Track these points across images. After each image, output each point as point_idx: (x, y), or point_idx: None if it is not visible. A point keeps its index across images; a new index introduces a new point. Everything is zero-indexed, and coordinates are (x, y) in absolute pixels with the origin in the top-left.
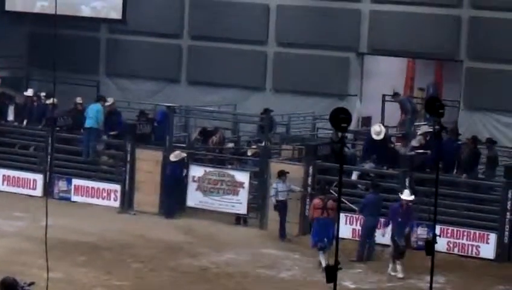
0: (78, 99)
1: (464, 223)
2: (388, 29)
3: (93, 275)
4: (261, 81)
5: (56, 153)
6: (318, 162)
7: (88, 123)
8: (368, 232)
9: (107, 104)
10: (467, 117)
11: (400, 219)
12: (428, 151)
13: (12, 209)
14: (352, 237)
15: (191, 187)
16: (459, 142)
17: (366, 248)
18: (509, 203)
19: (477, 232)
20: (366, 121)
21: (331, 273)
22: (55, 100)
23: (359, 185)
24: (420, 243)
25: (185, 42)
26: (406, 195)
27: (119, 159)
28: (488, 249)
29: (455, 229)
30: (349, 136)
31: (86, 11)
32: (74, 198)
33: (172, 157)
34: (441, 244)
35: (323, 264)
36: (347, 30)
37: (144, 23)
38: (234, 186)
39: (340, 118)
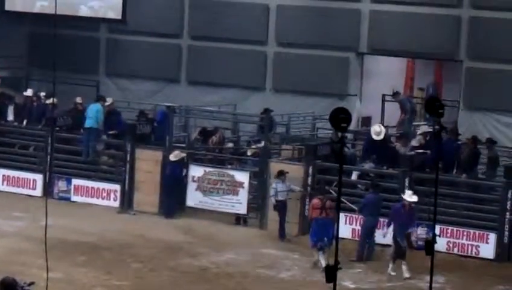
0: (78, 99)
1: (464, 223)
2: (388, 29)
3: (93, 275)
4: (261, 81)
5: (56, 153)
6: (318, 162)
7: (88, 123)
8: (367, 232)
9: (106, 104)
10: (466, 117)
11: (402, 220)
12: (428, 151)
13: (12, 209)
14: (352, 237)
15: (191, 187)
16: (459, 142)
17: (365, 248)
18: (509, 203)
19: (477, 232)
20: (366, 121)
21: (330, 273)
22: (55, 100)
23: (359, 185)
24: (420, 243)
25: (184, 42)
26: (409, 196)
27: (119, 159)
28: (487, 249)
29: (455, 229)
30: (349, 136)
31: (84, 11)
32: (74, 198)
33: (172, 157)
34: (441, 244)
35: (323, 264)
36: (347, 30)
37: (144, 23)
38: (234, 186)
39: (340, 118)
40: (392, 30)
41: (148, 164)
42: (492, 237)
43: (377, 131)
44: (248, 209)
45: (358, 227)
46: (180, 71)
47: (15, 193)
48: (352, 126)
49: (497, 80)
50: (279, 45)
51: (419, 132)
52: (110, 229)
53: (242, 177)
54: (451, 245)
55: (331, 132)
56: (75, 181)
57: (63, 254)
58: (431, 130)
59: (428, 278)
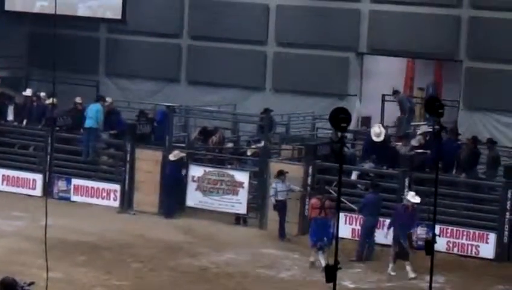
0: (78, 99)
1: (464, 223)
2: (388, 29)
3: (93, 275)
4: (260, 81)
5: (56, 153)
6: (318, 162)
7: (88, 123)
8: (367, 232)
9: (106, 104)
10: (466, 117)
11: (404, 221)
12: (428, 151)
13: (12, 209)
14: (352, 236)
15: (191, 187)
16: (459, 142)
17: (365, 248)
18: (508, 203)
19: (477, 232)
20: (366, 121)
21: (330, 273)
22: (55, 100)
23: (359, 185)
24: (420, 242)
25: (184, 42)
26: (412, 197)
27: (118, 159)
28: (487, 248)
29: (455, 229)
30: (349, 136)
31: (84, 11)
32: (74, 198)
33: (171, 157)
34: (441, 244)
35: (323, 263)
36: (346, 30)
37: (144, 23)
38: (234, 186)
39: (339, 117)
40: (391, 30)
41: (148, 163)
42: (492, 237)
43: (377, 132)
44: (248, 209)
45: (358, 227)
46: (180, 71)
47: (15, 193)
48: (352, 126)
49: (497, 80)
50: (279, 44)
51: (419, 131)
52: (110, 229)
53: (242, 177)
54: (451, 245)
55: (331, 131)
56: (75, 181)
57: (63, 254)
58: (431, 130)
59: (428, 278)
